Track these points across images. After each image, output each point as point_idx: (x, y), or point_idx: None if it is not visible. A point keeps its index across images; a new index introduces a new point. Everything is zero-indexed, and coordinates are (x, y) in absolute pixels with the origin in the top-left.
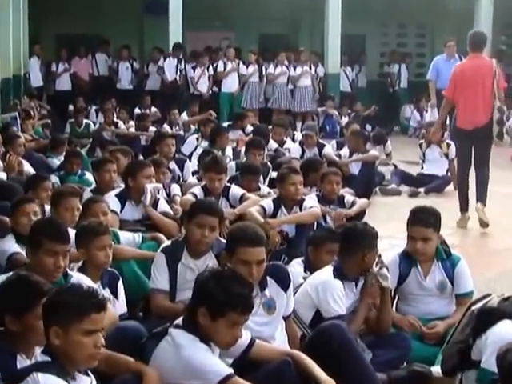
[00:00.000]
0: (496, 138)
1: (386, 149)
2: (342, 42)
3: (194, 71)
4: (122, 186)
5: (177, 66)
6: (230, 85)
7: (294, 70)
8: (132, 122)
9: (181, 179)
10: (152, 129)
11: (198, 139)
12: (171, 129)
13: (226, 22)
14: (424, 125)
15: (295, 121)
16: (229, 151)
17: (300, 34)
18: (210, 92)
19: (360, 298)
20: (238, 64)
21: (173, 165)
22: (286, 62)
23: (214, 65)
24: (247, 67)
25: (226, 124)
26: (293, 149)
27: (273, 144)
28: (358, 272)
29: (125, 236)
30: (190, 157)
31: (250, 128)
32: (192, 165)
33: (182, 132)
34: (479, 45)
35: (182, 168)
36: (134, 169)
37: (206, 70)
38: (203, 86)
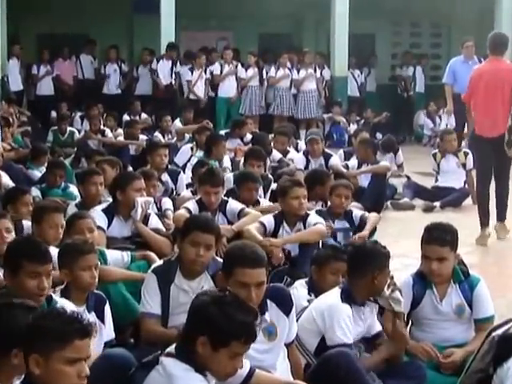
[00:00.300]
0: (505, 147)
1: (397, 159)
2: (349, 42)
3: (192, 73)
4: (110, 199)
5: (171, 69)
6: (228, 89)
7: (298, 72)
8: (120, 130)
9: (174, 192)
10: (142, 137)
11: (192, 149)
12: (163, 137)
13: (223, 21)
14: (438, 133)
15: (298, 129)
16: (226, 162)
17: (304, 33)
18: (207, 97)
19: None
20: (236, 66)
21: (165, 177)
22: (288, 64)
23: (210, 67)
24: (246, 70)
25: (222, 132)
26: (296, 159)
27: (275, 154)
28: (367, 295)
29: (112, 255)
30: (183, 168)
31: (249, 136)
32: (186, 177)
33: (174, 141)
34: (500, 47)
35: (175, 180)
36: (123, 181)
37: (203, 73)
38: (200, 90)
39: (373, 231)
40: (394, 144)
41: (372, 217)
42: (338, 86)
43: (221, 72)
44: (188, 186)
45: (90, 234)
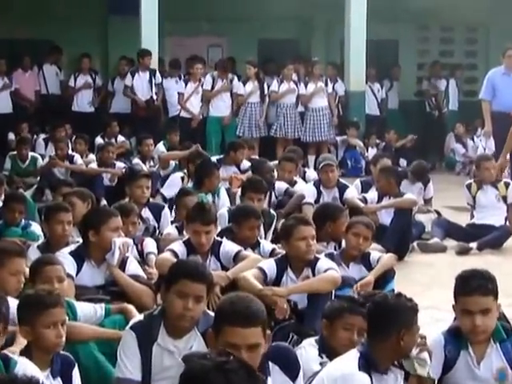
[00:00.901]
0: None
1: (427, 192)
2: (367, 49)
3: (186, 85)
4: (79, 240)
5: (150, 81)
6: (221, 106)
7: (305, 86)
8: (92, 156)
9: (157, 232)
10: (119, 164)
11: (183, 179)
12: (144, 164)
13: (216, 25)
14: (474, 159)
15: (307, 154)
16: (223, 196)
17: (312, 39)
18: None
19: None
20: (232, 80)
21: (146, 212)
22: (294, 77)
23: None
24: (244, 84)
25: (215, 158)
26: (306, 191)
27: (280, 185)
28: (391, 360)
29: (83, 308)
30: (171, 201)
31: (247, 164)
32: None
33: (157, 168)
34: None
35: (157, 217)
36: (96, 218)
37: (199, 87)
38: (195, 107)
39: (390, 278)
40: (425, 172)
41: (384, 258)
42: (354, 103)
43: (213, 87)
44: (174, 222)
45: (58, 284)
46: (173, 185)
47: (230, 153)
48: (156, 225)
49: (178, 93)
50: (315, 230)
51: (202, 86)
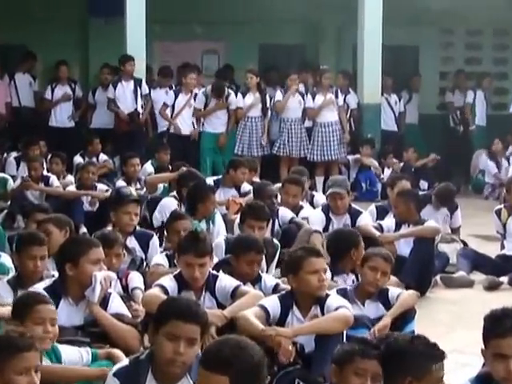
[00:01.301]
0: None
1: (454, 220)
2: (383, 56)
3: (176, 97)
4: (55, 274)
5: (135, 92)
6: (217, 122)
7: (313, 98)
8: (71, 177)
9: (144, 264)
10: (101, 187)
11: (179, 204)
12: (129, 186)
13: (212, 28)
14: (504, 181)
15: (314, 175)
16: (218, 222)
17: (321, 44)
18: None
19: None
20: (228, 96)
21: (132, 242)
22: (300, 87)
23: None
24: (243, 95)
25: (210, 180)
26: (313, 218)
27: (284, 212)
28: None
29: (68, 353)
30: (162, 228)
31: (247, 186)
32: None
33: (144, 192)
34: None
35: (145, 247)
36: (75, 249)
37: (192, 99)
38: (186, 122)
39: (410, 318)
40: (452, 196)
41: (404, 295)
42: (368, 117)
43: (207, 100)
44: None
45: (52, 328)
46: (166, 207)
47: (229, 172)
48: (143, 256)
49: (164, 103)
50: (331, 262)
51: (194, 98)
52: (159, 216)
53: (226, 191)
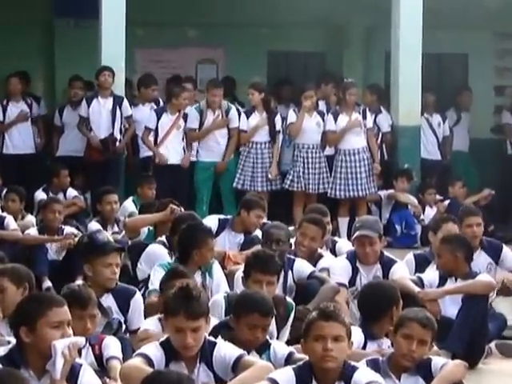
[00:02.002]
0: None
1: (504, 261)
2: (423, 67)
3: (160, 117)
4: (12, 340)
5: (113, 112)
6: (215, 147)
7: (335, 119)
8: (32, 217)
9: (122, 327)
10: (69, 230)
11: (170, 253)
12: (105, 229)
13: (209, 32)
14: None
15: (337, 215)
16: (216, 274)
17: (346, 52)
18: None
19: None
20: (228, 110)
21: (108, 300)
22: (320, 105)
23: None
24: (248, 115)
25: (215, 219)
26: (336, 267)
27: (301, 266)
28: None
29: None
30: (147, 282)
31: (257, 231)
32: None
33: (122, 236)
34: None
35: (125, 306)
36: (31, 310)
37: (181, 120)
38: (176, 148)
39: None
40: None
41: (449, 366)
42: (405, 143)
43: (201, 120)
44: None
45: None
46: (154, 259)
47: (240, 213)
48: (122, 318)
49: (146, 127)
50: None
51: (184, 118)
52: (145, 267)
53: (234, 237)
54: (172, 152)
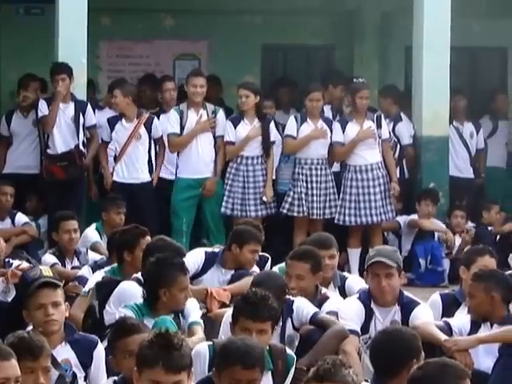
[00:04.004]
0: None
1: None
2: (452, 65)
3: (113, 127)
4: None
5: (76, 120)
6: (197, 161)
7: (343, 128)
8: None
9: (77, 382)
10: (18, 263)
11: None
12: (62, 262)
13: (189, 21)
14: None
15: (346, 246)
16: (195, 313)
17: (358, 46)
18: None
19: None
20: (215, 113)
21: (66, 351)
22: (326, 111)
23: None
24: (234, 124)
25: (201, 252)
26: (346, 310)
27: (301, 307)
28: None
29: None
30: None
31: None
32: None
33: (86, 269)
34: None
35: (85, 358)
36: None
37: (142, 128)
38: (135, 166)
39: None
40: None
41: None
42: (430, 158)
43: (182, 127)
44: None
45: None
46: (123, 300)
47: (231, 249)
48: (82, 373)
49: (103, 140)
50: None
51: (147, 126)
52: (115, 309)
53: (224, 274)
54: (131, 169)
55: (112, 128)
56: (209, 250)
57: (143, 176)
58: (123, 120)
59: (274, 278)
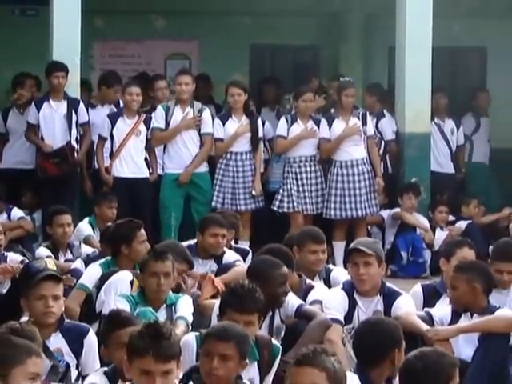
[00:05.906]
0: None
1: None
2: (434, 64)
3: (114, 124)
4: None
5: (69, 118)
6: (183, 157)
7: (329, 125)
8: None
9: (70, 371)
10: (14, 257)
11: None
12: (56, 255)
13: (180, 22)
14: None
15: (331, 239)
16: (183, 309)
17: (343, 46)
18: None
19: None
20: (201, 111)
21: (58, 340)
22: (312, 109)
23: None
24: (223, 121)
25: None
26: (330, 300)
27: (287, 301)
28: None
29: None
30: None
31: (231, 257)
32: None
33: (79, 261)
34: None
35: (77, 347)
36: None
37: (142, 125)
38: (134, 161)
39: None
40: None
41: None
42: (412, 153)
43: (167, 123)
44: None
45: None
46: (115, 288)
47: (204, 235)
48: (74, 361)
49: (100, 136)
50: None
51: (145, 123)
52: (106, 297)
53: (203, 264)
54: (130, 164)
55: (113, 124)
56: (187, 243)
57: (142, 171)
58: (125, 116)
59: (266, 260)
